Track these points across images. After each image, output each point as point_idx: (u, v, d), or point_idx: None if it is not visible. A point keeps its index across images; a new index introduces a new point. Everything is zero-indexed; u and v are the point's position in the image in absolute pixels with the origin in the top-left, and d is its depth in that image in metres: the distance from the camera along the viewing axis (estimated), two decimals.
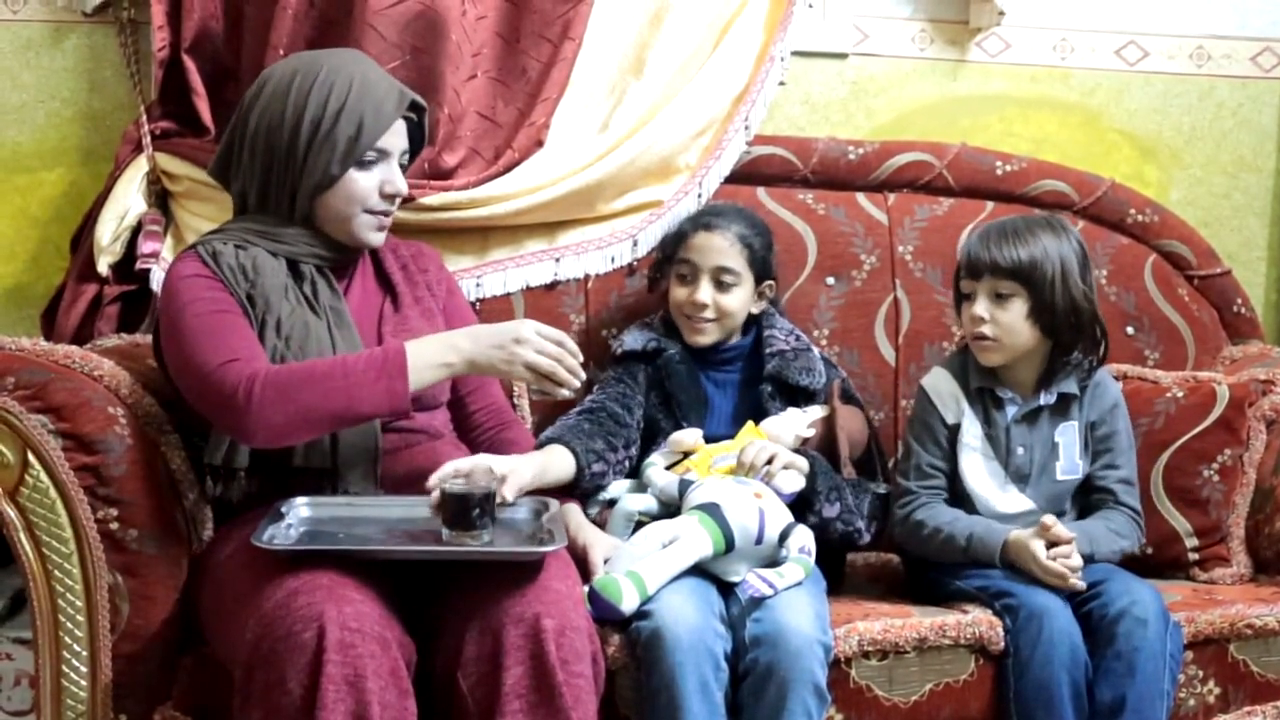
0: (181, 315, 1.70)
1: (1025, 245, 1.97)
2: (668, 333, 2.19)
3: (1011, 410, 2.03)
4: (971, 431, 2.03)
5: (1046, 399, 2.03)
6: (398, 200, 1.88)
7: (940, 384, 2.07)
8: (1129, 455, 2.08)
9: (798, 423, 2.03)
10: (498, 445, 1.96)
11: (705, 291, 2.12)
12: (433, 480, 1.66)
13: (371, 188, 1.83)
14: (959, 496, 2.04)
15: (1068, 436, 2.04)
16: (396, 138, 1.85)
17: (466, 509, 1.61)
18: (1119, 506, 2.03)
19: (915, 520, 2.01)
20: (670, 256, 2.21)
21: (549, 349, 1.71)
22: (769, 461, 1.92)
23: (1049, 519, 1.91)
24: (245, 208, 1.86)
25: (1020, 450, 2.02)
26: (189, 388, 1.70)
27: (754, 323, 2.21)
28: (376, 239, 1.88)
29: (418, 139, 1.94)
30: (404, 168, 1.90)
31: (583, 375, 1.75)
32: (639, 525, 1.92)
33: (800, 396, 2.11)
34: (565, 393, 1.75)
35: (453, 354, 1.70)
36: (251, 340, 1.71)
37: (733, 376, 2.16)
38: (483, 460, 1.74)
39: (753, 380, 2.14)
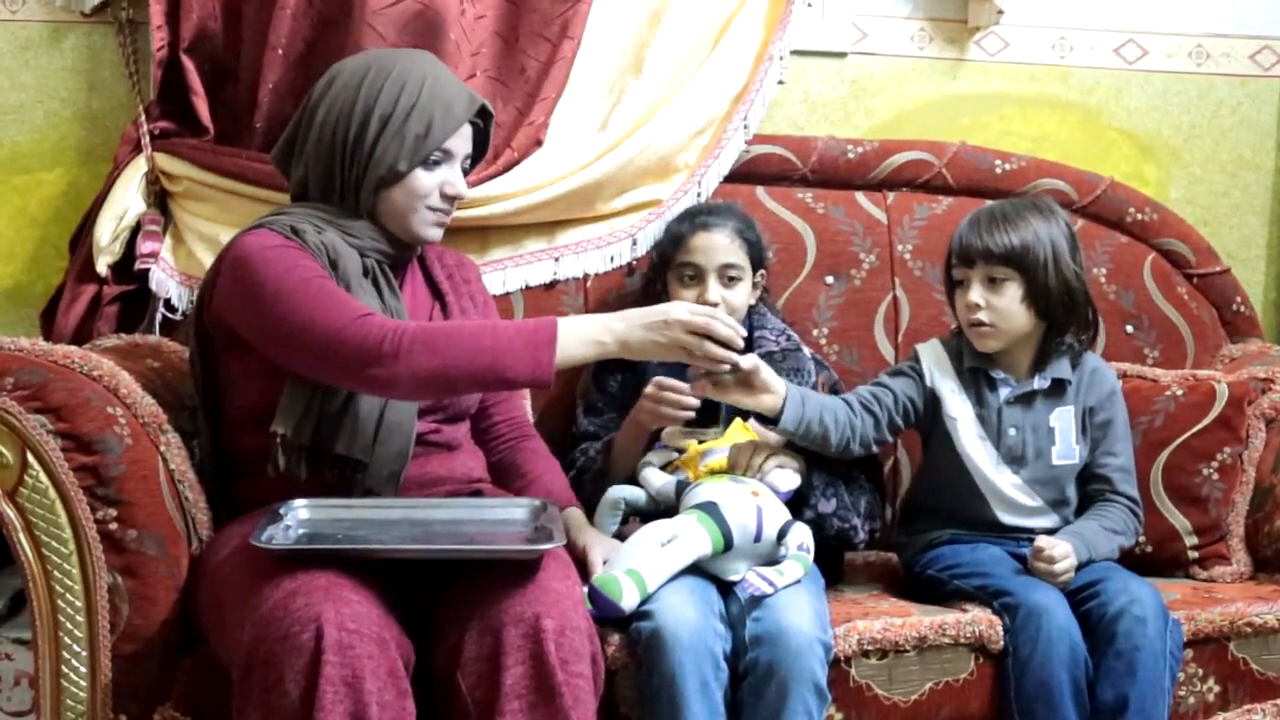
0: (284, 280, 1.68)
1: (1016, 230, 1.98)
2: None
3: (1004, 392, 2.03)
4: (963, 412, 2.04)
5: (1040, 383, 2.04)
6: (457, 202, 1.89)
7: (931, 352, 2.09)
8: (1126, 443, 2.08)
9: None
10: (518, 455, 1.98)
11: (714, 290, 2.13)
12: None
13: (433, 187, 1.84)
14: (959, 476, 2.04)
15: (1063, 421, 2.04)
16: (462, 140, 1.86)
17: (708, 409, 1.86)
18: (1116, 497, 2.04)
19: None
20: (669, 261, 2.20)
21: (697, 323, 1.69)
22: (763, 461, 1.92)
23: (1043, 541, 1.91)
24: (305, 195, 1.86)
25: (1012, 431, 2.03)
26: (311, 347, 1.65)
27: (745, 320, 2.21)
28: (434, 235, 1.88)
29: (481, 145, 1.95)
30: (465, 171, 1.91)
31: (740, 347, 1.73)
32: (626, 518, 1.94)
33: None
34: (724, 368, 1.75)
35: (606, 334, 1.67)
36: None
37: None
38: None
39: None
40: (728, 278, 2.14)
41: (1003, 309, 1.99)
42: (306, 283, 1.68)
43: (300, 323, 1.66)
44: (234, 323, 1.75)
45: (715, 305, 2.12)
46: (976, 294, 2.00)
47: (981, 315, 2.00)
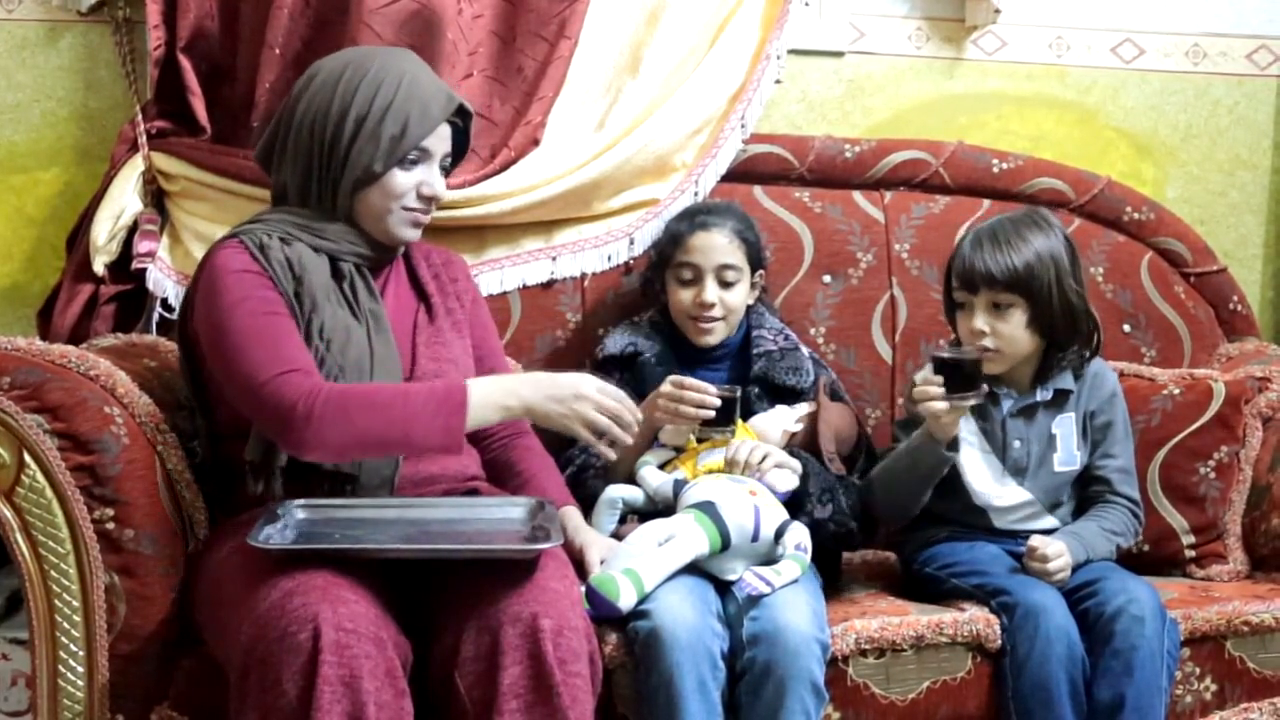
0: (232, 314, 1.69)
1: (1019, 252, 1.97)
2: (653, 332, 2.19)
3: (1007, 404, 2.03)
4: (966, 426, 2.03)
5: (1043, 395, 2.04)
6: (435, 202, 1.88)
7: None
8: (1126, 444, 2.08)
9: (785, 418, 2.03)
10: (512, 452, 1.97)
11: (712, 291, 2.13)
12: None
13: (410, 187, 1.83)
14: (955, 490, 2.04)
15: (1065, 428, 2.04)
16: (440, 140, 1.85)
17: (961, 371, 1.86)
18: (1115, 498, 2.04)
19: (867, 479, 2.04)
20: (667, 260, 2.20)
21: (609, 405, 1.71)
22: (761, 460, 1.92)
23: (1036, 540, 1.91)
24: (285, 198, 1.85)
25: (1017, 444, 2.03)
26: (238, 393, 1.68)
27: (743, 320, 2.21)
28: (411, 235, 1.88)
29: (461, 144, 1.94)
30: (446, 171, 1.90)
31: (635, 432, 1.75)
32: (624, 516, 1.94)
33: (788, 397, 2.11)
34: (610, 454, 1.75)
35: (513, 399, 1.69)
36: (303, 349, 1.70)
37: (719, 375, 2.15)
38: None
39: (740, 380, 2.14)
40: (725, 279, 2.14)
41: (1007, 335, 1.98)
42: (251, 319, 1.68)
43: (231, 370, 1.68)
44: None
45: (712, 306, 2.12)
46: (980, 321, 1.99)
47: (986, 342, 1.98)
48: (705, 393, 1.94)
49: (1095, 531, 1.99)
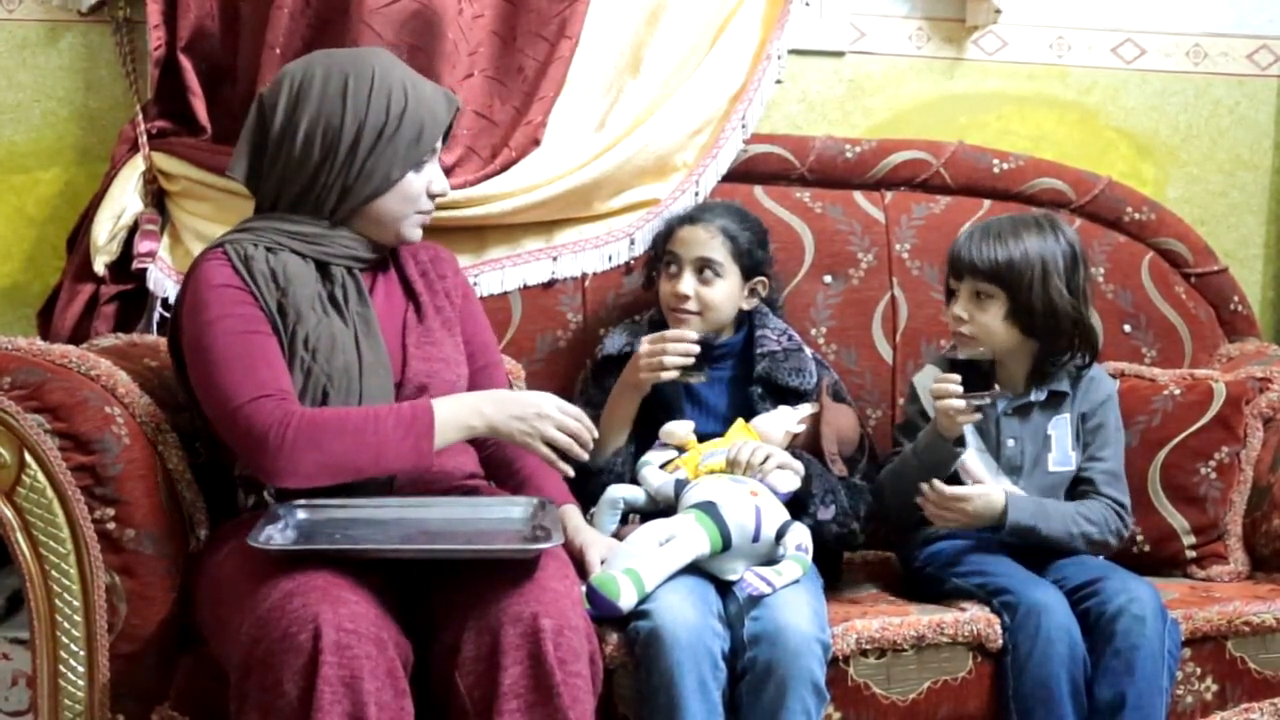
0: (209, 331, 1.69)
1: (1006, 246, 1.99)
2: (651, 330, 2.20)
3: (1001, 403, 2.04)
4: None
5: (1037, 395, 2.05)
6: (438, 198, 1.89)
7: (930, 381, 2.07)
8: (1116, 448, 2.09)
9: (788, 419, 2.04)
10: (510, 448, 1.96)
11: (688, 283, 2.13)
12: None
13: (422, 189, 1.84)
14: (953, 480, 2.03)
15: (1060, 429, 2.05)
16: (440, 138, 1.87)
17: (978, 371, 1.92)
18: (1099, 497, 2.04)
19: (876, 484, 2.06)
20: (660, 253, 2.22)
21: (569, 425, 1.72)
22: (763, 460, 1.92)
23: (934, 484, 1.95)
24: (274, 206, 1.83)
25: (1011, 442, 2.04)
26: (214, 415, 1.69)
27: (745, 321, 2.21)
28: (419, 235, 1.89)
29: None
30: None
31: (590, 449, 1.77)
32: (625, 516, 1.94)
33: (791, 397, 2.11)
34: (569, 470, 1.77)
35: (476, 418, 1.72)
36: (280, 370, 1.70)
37: (722, 374, 2.16)
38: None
39: (743, 379, 2.15)
40: (702, 273, 2.14)
41: (984, 324, 2.01)
42: (230, 338, 1.68)
43: (207, 390, 1.68)
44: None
45: (686, 298, 2.14)
46: (960, 307, 2.03)
47: (964, 329, 2.02)
48: (682, 338, 2.02)
49: (1064, 510, 2.00)
